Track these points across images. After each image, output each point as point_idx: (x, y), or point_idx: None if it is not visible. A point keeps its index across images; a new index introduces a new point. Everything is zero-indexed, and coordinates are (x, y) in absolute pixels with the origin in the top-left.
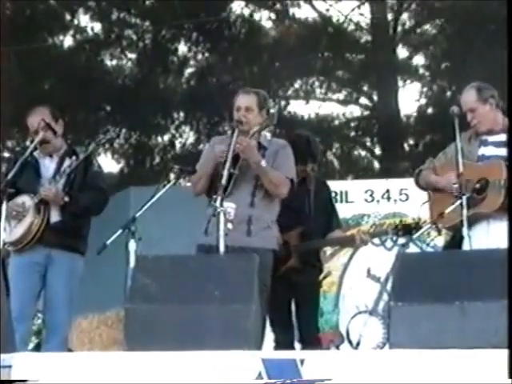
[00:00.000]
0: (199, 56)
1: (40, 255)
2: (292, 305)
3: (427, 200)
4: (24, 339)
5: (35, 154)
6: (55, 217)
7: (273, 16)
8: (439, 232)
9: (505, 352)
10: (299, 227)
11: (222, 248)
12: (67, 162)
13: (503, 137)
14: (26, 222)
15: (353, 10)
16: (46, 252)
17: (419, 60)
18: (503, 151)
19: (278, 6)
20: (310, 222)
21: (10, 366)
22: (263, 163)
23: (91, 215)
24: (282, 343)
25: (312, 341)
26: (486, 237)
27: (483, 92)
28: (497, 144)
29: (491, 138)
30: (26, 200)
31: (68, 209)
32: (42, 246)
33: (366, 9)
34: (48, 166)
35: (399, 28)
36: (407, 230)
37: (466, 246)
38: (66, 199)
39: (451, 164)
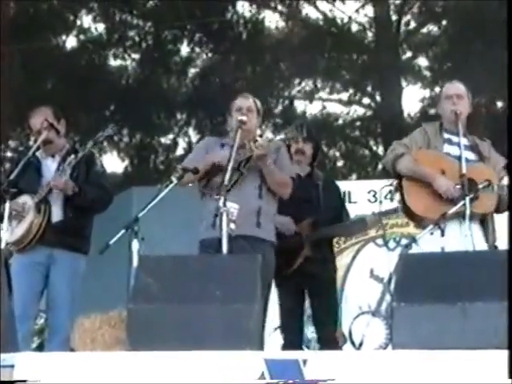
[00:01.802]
0: (202, 56)
1: (42, 255)
2: (303, 309)
3: (396, 186)
4: (26, 339)
5: (37, 154)
6: (57, 216)
7: (276, 16)
8: (442, 232)
9: (505, 353)
10: (310, 218)
11: (224, 249)
12: (68, 161)
13: (466, 141)
14: (26, 221)
15: (356, 10)
16: (48, 252)
17: (422, 61)
18: (470, 155)
19: (281, 6)
20: (320, 212)
21: (12, 366)
22: (272, 165)
23: (96, 211)
24: (290, 345)
25: (329, 338)
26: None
27: (470, 95)
28: (464, 147)
29: (455, 139)
30: (26, 200)
31: (76, 201)
32: (44, 246)
33: (370, 9)
34: (50, 166)
35: (402, 28)
36: None
37: (462, 246)
38: (76, 189)
39: (427, 154)
